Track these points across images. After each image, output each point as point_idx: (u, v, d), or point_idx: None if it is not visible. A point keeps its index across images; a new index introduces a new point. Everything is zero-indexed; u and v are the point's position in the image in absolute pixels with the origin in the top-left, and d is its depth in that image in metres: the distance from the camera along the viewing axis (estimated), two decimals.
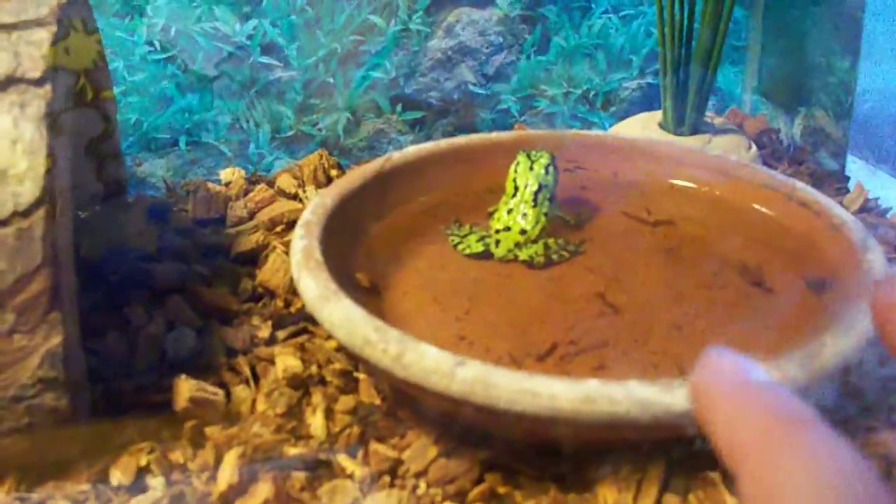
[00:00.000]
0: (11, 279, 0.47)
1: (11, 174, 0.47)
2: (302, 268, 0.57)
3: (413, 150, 0.78)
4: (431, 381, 0.46)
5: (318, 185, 0.87)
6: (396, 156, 0.76)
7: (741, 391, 0.27)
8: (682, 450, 0.49)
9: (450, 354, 0.46)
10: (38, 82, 0.50)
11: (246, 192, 0.86)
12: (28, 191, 0.48)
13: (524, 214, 0.72)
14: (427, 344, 0.48)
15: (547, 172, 0.74)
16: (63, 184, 0.50)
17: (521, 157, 0.75)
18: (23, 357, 0.48)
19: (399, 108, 1.02)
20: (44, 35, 0.52)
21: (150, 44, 0.92)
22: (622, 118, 1.02)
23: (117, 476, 0.50)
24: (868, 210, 0.83)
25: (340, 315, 0.51)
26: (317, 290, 0.54)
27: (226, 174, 0.90)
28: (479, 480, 0.50)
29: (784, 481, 0.24)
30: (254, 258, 0.73)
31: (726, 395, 0.27)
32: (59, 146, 0.50)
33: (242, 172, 0.90)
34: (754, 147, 0.90)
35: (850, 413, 0.53)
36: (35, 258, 0.47)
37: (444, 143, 0.80)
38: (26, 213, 0.47)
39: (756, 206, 0.73)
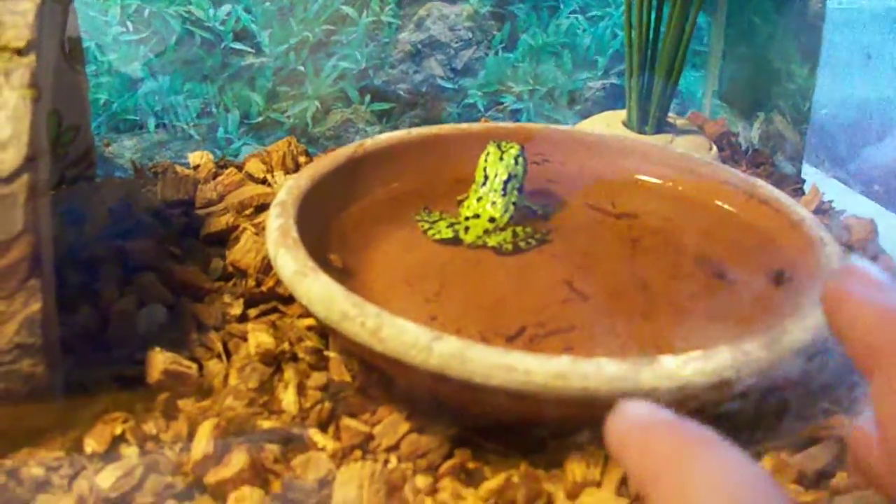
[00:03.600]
0: None
1: None
2: (279, 245, 0.57)
3: (385, 138, 0.79)
4: (409, 355, 0.47)
5: (287, 171, 0.88)
6: (369, 142, 0.77)
7: (648, 425, 0.30)
8: None
9: (427, 329, 0.47)
10: (23, 51, 0.50)
11: (215, 176, 0.86)
12: (11, 158, 0.48)
13: (493, 203, 0.73)
14: (404, 319, 0.49)
15: (516, 163, 0.75)
16: (44, 152, 0.51)
17: (492, 148, 0.76)
18: (1, 322, 0.48)
19: (367, 98, 1.03)
20: (28, 6, 0.53)
21: (123, 25, 0.92)
22: (585, 117, 1.03)
23: (91, 444, 0.51)
24: (822, 212, 0.85)
25: (319, 290, 0.52)
26: (295, 266, 0.55)
27: (194, 157, 0.90)
28: (450, 455, 0.51)
29: (691, 495, 0.26)
30: (223, 239, 0.74)
31: (635, 430, 0.30)
32: (41, 115, 0.50)
33: (211, 156, 0.90)
34: (715, 148, 0.92)
35: (808, 397, 0.55)
36: (16, 225, 0.48)
37: (415, 132, 0.81)
38: (9, 179, 0.48)
39: (718, 203, 0.75)
